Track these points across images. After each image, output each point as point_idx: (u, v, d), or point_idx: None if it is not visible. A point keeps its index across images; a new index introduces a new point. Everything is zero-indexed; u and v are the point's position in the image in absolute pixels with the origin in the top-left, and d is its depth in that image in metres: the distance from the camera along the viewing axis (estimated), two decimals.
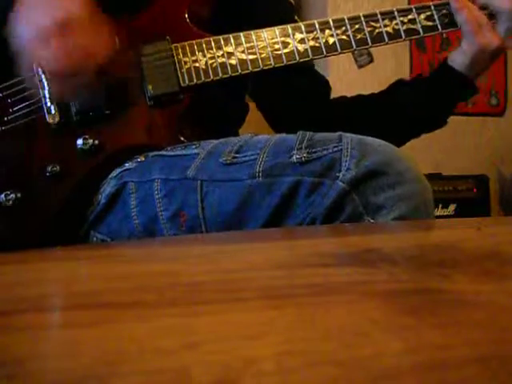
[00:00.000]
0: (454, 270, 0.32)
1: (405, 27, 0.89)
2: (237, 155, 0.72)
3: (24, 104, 0.80)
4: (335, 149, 0.66)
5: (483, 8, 0.91)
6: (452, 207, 2.17)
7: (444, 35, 2.39)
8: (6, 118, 0.80)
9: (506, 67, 2.62)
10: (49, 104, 0.80)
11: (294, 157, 0.67)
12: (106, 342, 0.21)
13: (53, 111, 0.79)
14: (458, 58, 0.93)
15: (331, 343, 0.20)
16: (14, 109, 0.80)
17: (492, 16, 0.91)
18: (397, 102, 1.02)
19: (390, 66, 2.20)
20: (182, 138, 0.84)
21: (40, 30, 0.71)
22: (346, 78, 2.29)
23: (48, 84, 0.80)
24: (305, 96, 1.06)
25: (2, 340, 0.22)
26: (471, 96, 0.99)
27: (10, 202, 0.77)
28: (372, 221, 0.64)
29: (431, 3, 0.91)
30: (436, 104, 1.00)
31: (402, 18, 0.89)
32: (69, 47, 0.72)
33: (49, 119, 0.79)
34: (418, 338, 0.20)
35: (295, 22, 0.93)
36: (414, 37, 0.90)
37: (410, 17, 0.89)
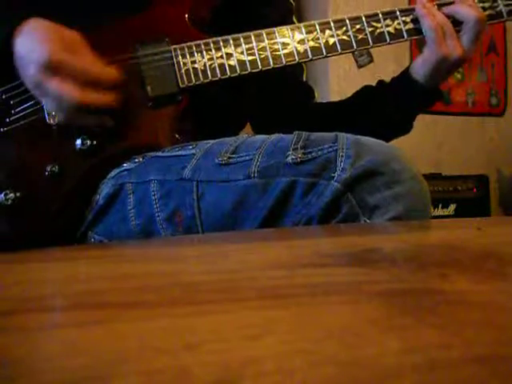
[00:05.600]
0: (454, 270, 0.32)
1: (407, 27, 0.89)
2: (233, 156, 0.72)
3: (25, 105, 0.80)
4: (330, 149, 0.66)
5: (449, 16, 0.88)
6: (452, 207, 2.17)
7: None
8: (7, 120, 0.81)
9: (506, 67, 2.62)
10: None
11: (290, 157, 0.67)
12: (106, 342, 0.21)
13: (53, 112, 0.80)
14: (419, 68, 0.92)
15: (331, 343, 0.20)
16: (16, 110, 0.80)
17: (457, 23, 0.88)
18: (364, 109, 1.01)
19: (390, 66, 2.21)
20: (181, 139, 0.84)
21: (33, 80, 0.72)
22: (346, 78, 2.29)
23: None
24: (283, 107, 1.07)
25: (2, 340, 0.22)
26: (434, 102, 0.98)
27: (10, 202, 0.78)
28: (368, 221, 0.64)
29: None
30: (397, 113, 0.98)
31: (404, 18, 0.89)
32: (64, 85, 0.72)
33: (49, 120, 0.80)
34: (417, 338, 0.20)
35: (293, 23, 0.93)
36: (416, 37, 0.90)
37: (412, 16, 0.89)
